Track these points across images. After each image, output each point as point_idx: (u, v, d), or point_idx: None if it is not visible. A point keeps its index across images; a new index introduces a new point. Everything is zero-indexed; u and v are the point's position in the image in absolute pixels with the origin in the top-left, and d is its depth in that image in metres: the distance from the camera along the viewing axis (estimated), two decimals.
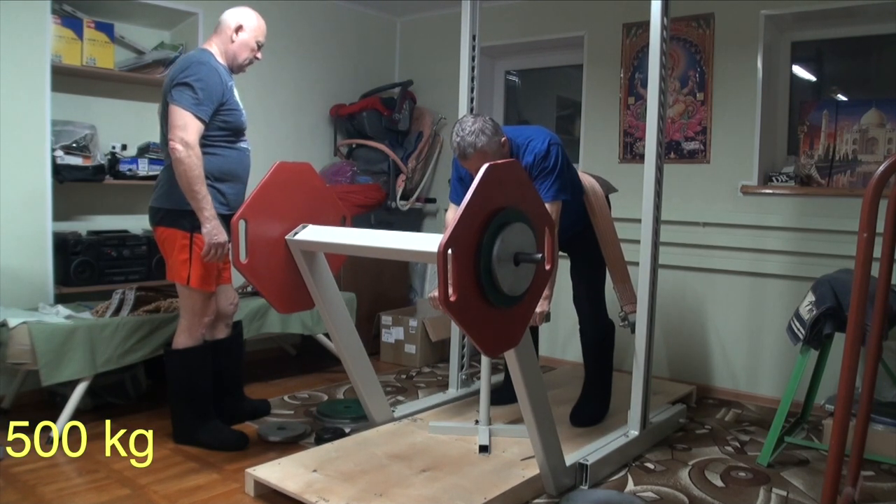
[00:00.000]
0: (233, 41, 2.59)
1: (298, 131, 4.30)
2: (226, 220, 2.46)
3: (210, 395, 2.71)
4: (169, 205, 2.52)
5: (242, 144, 2.65)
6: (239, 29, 2.59)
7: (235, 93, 2.61)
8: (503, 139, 2.49)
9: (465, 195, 1.77)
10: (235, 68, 2.64)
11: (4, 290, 2.96)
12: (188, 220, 2.49)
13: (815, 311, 2.54)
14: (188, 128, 2.38)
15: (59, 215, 3.21)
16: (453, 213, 2.83)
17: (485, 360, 2.63)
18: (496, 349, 1.90)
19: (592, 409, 2.92)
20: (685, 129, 3.62)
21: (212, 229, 2.43)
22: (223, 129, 2.55)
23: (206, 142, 2.49)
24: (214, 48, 2.60)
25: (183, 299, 2.62)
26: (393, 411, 2.87)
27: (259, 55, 2.67)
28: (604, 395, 2.97)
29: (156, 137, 3.88)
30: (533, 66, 4.51)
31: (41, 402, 3.06)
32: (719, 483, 2.45)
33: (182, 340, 2.63)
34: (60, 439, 2.68)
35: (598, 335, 2.92)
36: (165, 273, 2.65)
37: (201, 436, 2.65)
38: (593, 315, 2.90)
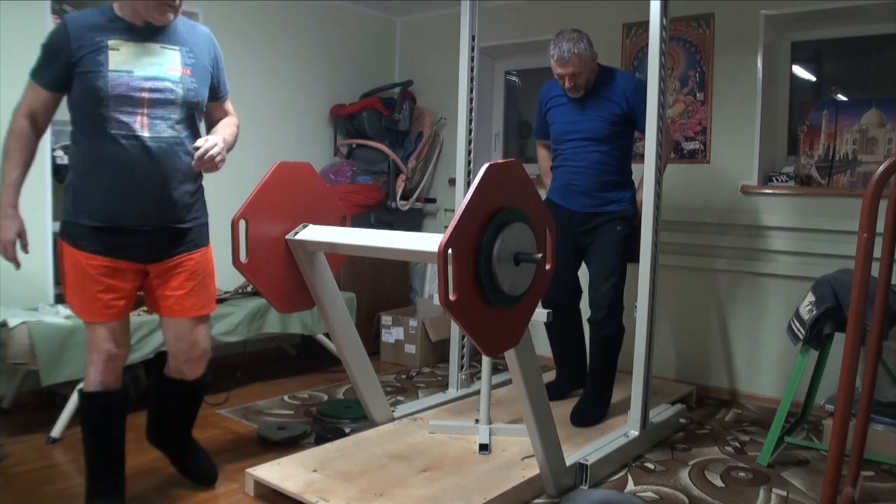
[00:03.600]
0: None
1: (298, 131, 4.30)
2: (95, 233, 1.93)
3: (110, 466, 2.04)
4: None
5: (117, 127, 1.88)
6: None
7: (129, 50, 1.89)
8: (595, 55, 2.86)
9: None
10: (141, 21, 1.92)
11: (4, 290, 2.96)
12: (62, 225, 2.00)
13: (815, 311, 2.54)
14: (23, 95, 1.95)
15: (59, 215, 3.19)
16: (542, 151, 3.28)
17: (485, 359, 2.64)
18: (496, 349, 1.90)
19: (595, 410, 2.92)
20: (685, 129, 3.62)
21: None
22: (82, 102, 1.90)
23: (71, 124, 1.98)
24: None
25: None
26: (393, 411, 2.87)
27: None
28: (606, 395, 2.97)
29: None
30: (533, 66, 4.50)
31: (41, 402, 3.06)
32: (719, 483, 2.45)
33: (85, 378, 2.05)
34: (60, 439, 2.68)
35: (610, 334, 2.90)
36: None
37: None
38: (608, 313, 2.87)
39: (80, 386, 2.08)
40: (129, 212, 1.94)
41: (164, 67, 1.94)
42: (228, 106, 2.24)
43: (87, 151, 1.93)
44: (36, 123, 1.95)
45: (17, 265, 1.98)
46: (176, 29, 1.99)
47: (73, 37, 1.86)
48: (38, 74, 1.93)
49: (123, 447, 2.08)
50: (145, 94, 1.91)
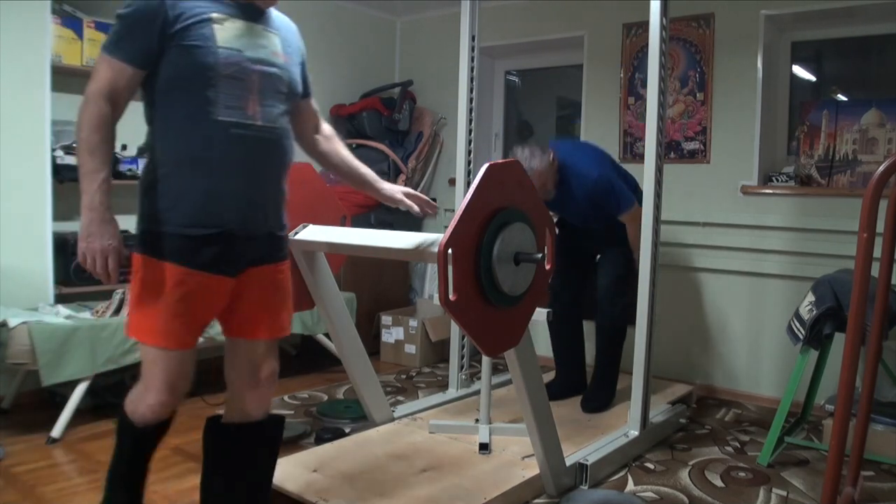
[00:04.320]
0: None
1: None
2: (191, 243, 1.59)
3: (137, 491, 1.78)
4: (137, 222, 1.67)
5: (226, 114, 1.60)
6: None
7: (236, 28, 1.63)
8: (551, 155, 2.81)
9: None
10: None
11: (4, 290, 2.96)
12: (140, 236, 1.64)
13: (815, 312, 2.54)
14: (94, 76, 1.58)
15: (59, 215, 3.20)
16: None
17: (485, 360, 2.64)
18: (496, 349, 1.90)
19: (603, 396, 3.04)
20: (685, 129, 3.62)
21: (86, 225, 1.55)
22: (181, 82, 1.59)
23: (154, 108, 1.63)
24: None
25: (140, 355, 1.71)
26: (393, 411, 2.87)
27: None
28: (613, 383, 3.09)
29: None
30: (533, 66, 4.51)
31: (41, 402, 3.05)
32: (719, 483, 2.45)
33: (128, 402, 1.71)
34: (60, 439, 2.68)
35: (615, 322, 3.03)
36: None
37: None
38: (612, 303, 3.01)
39: (133, 418, 1.69)
40: (235, 216, 1.63)
41: (269, 51, 1.69)
42: (315, 104, 1.98)
43: (183, 142, 1.59)
44: (117, 108, 1.58)
45: (112, 280, 1.57)
46: (271, 14, 1.76)
47: (170, 3, 1.56)
48: (119, 48, 1.57)
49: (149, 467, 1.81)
50: (255, 78, 1.64)
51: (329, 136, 2.00)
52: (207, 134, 1.58)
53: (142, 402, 1.66)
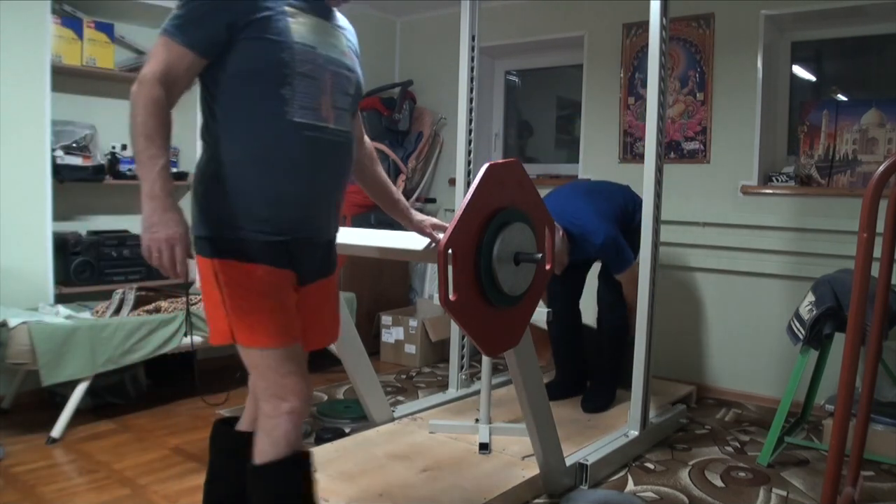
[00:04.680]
0: None
1: None
2: (268, 246, 1.51)
3: None
4: (193, 225, 1.55)
5: (300, 114, 1.51)
6: None
7: (308, 23, 1.54)
8: (560, 233, 2.84)
9: None
10: None
11: (4, 290, 2.96)
12: (211, 240, 1.53)
13: (815, 312, 2.54)
14: (151, 58, 1.46)
15: (59, 215, 3.20)
16: None
17: (485, 360, 2.64)
18: (496, 349, 1.90)
19: (603, 396, 3.05)
20: (685, 129, 3.62)
21: (149, 215, 1.42)
22: (254, 78, 1.49)
23: (218, 102, 1.51)
24: None
25: (249, 373, 1.58)
26: (393, 411, 2.87)
27: None
28: (614, 383, 3.10)
29: None
30: (533, 66, 4.51)
31: (41, 402, 3.05)
32: (719, 483, 2.45)
33: (259, 448, 1.52)
34: (60, 439, 2.68)
35: (614, 323, 3.06)
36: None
37: None
38: (613, 304, 3.05)
39: (258, 458, 1.51)
40: (305, 222, 1.56)
41: (339, 50, 1.61)
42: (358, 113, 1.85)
43: (255, 142, 1.49)
44: (171, 94, 1.46)
45: (182, 278, 1.46)
46: (336, 13, 1.67)
47: None
48: (182, 32, 1.44)
49: None
50: (328, 78, 1.55)
51: (370, 150, 1.92)
52: (281, 135, 1.49)
53: (281, 420, 1.49)
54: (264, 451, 1.50)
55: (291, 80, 1.48)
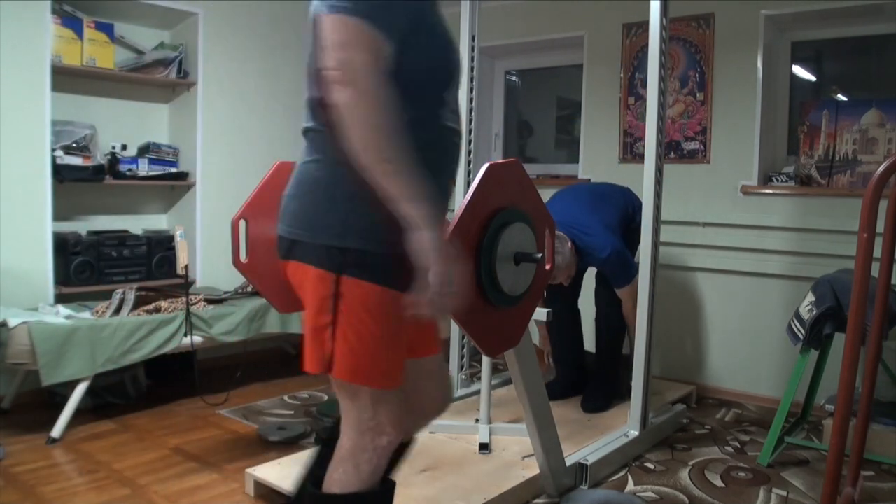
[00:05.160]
0: None
1: (298, 131, 4.28)
2: (398, 263, 1.28)
3: None
4: (302, 228, 1.32)
5: (452, 119, 1.37)
6: None
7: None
8: (569, 245, 2.84)
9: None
10: None
11: (4, 290, 2.96)
12: (343, 251, 1.28)
13: (815, 312, 2.54)
14: (351, 45, 1.15)
15: (59, 215, 3.21)
16: None
17: (485, 360, 2.64)
18: (496, 349, 1.89)
19: (603, 396, 3.06)
20: (685, 129, 3.62)
21: (441, 272, 1.19)
22: (421, 76, 1.29)
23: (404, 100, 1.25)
24: None
25: (341, 400, 1.44)
26: None
27: None
28: (614, 383, 3.10)
29: (155, 137, 3.92)
30: (533, 66, 4.50)
31: (41, 402, 3.06)
32: (719, 483, 2.45)
33: (339, 477, 1.37)
34: (60, 439, 2.68)
35: (614, 323, 3.06)
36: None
37: None
38: (611, 307, 3.05)
39: (328, 487, 1.37)
40: None
41: None
42: None
43: (415, 148, 1.24)
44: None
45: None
46: None
47: None
48: (385, 13, 1.18)
49: None
50: (458, 80, 1.40)
51: None
52: (434, 140, 1.32)
53: (375, 455, 1.36)
54: (347, 482, 1.34)
55: (452, 84, 1.33)
